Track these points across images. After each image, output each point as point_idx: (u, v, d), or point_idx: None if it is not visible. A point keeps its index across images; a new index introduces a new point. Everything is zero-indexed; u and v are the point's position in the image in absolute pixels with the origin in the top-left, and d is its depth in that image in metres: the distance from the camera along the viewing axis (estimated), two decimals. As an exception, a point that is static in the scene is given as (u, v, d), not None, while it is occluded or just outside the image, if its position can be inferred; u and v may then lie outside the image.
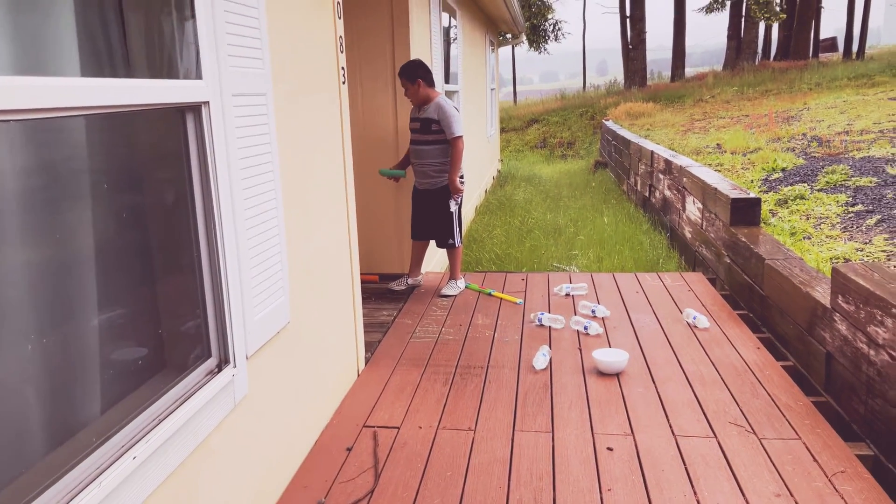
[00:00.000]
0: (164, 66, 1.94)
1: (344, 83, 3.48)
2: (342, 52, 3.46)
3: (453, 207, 4.94)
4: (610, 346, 3.90)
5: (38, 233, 1.50)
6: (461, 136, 4.82)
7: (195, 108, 2.00)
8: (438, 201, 4.94)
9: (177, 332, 2.05)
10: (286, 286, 2.64)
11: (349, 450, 2.92)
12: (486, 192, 10.88)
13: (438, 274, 5.72)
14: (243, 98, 2.27)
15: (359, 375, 3.69)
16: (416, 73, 4.79)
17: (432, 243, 5.38)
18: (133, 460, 1.63)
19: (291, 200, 2.73)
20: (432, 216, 5.02)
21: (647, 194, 9.11)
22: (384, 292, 5.12)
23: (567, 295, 4.90)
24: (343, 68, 3.47)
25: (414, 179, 5.10)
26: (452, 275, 5.19)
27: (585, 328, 4.12)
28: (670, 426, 3.00)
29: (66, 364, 1.61)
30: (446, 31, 7.45)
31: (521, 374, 3.59)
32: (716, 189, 5.79)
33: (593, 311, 4.42)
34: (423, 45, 5.71)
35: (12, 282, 1.43)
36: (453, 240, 5.05)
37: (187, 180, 2.03)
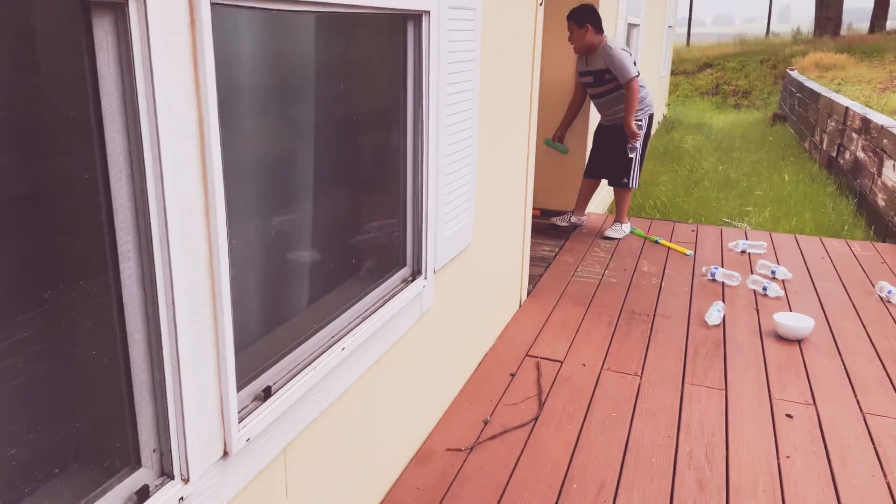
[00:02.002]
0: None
1: (541, 4, 3.36)
2: (543, -28, 3.33)
3: (631, 153, 4.76)
4: (791, 311, 3.64)
5: (256, 127, 1.56)
6: (636, 77, 4.55)
7: (416, 17, 2.00)
8: (620, 136, 4.74)
9: (378, 239, 2.12)
10: (473, 206, 2.65)
11: (513, 375, 2.95)
12: (651, 137, 10.38)
13: (601, 216, 5.57)
14: (457, 11, 2.24)
15: (521, 306, 3.70)
16: (584, 17, 4.52)
17: (603, 183, 5.23)
18: (342, 351, 1.71)
19: (484, 121, 2.71)
20: (611, 151, 4.84)
21: (833, 154, 8.32)
22: (545, 227, 5.06)
23: (743, 252, 4.61)
24: (542, -11, 3.35)
25: (599, 117, 4.94)
26: (618, 217, 5.02)
27: (764, 289, 3.86)
28: (857, 402, 2.78)
29: (284, 258, 1.70)
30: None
31: (692, 327, 3.44)
32: (927, 154, 5.16)
33: (773, 272, 4.13)
34: (614, -26, 5.40)
35: (238, 171, 1.50)
36: (628, 178, 4.85)
37: (402, 91, 2.04)
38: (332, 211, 1.90)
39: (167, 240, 1.10)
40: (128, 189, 1.07)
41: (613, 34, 5.73)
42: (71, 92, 1.00)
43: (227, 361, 1.28)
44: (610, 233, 4.93)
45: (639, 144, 4.76)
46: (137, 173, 1.07)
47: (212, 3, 1.14)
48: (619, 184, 4.89)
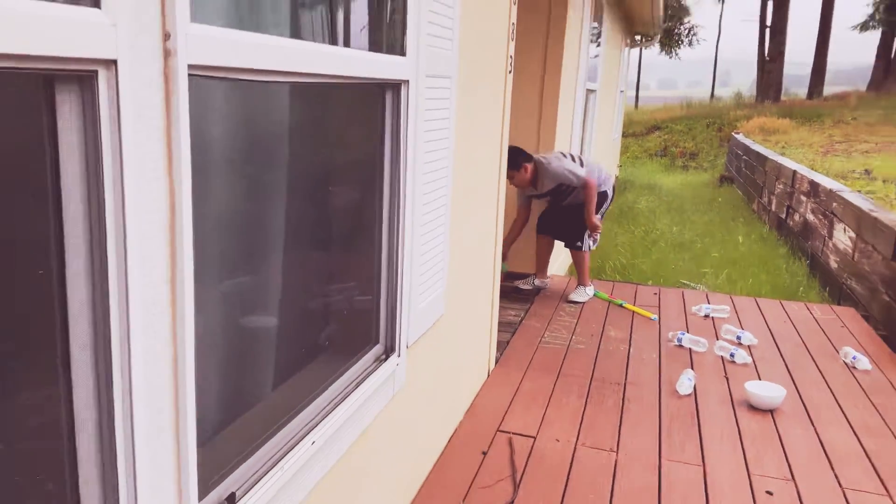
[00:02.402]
0: (372, 40, 1.86)
1: (510, 72, 3.35)
2: (512, 39, 3.33)
3: (593, 245, 4.86)
4: (759, 378, 3.61)
5: (232, 197, 1.44)
6: (587, 176, 4.60)
7: (395, 86, 1.92)
8: (580, 203, 4.74)
9: (351, 314, 1.99)
10: (445, 276, 2.55)
11: (484, 453, 2.80)
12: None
13: (563, 278, 5.54)
14: (434, 80, 2.18)
15: (489, 375, 3.58)
16: (518, 160, 4.49)
17: (558, 245, 5.21)
18: (312, 445, 1.57)
19: (457, 188, 2.64)
20: (566, 215, 4.83)
21: (783, 216, 8.55)
22: (509, 291, 4.99)
23: (706, 316, 4.61)
24: (511, 56, 3.34)
25: None
26: (580, 280, 4.99)
27: (731, 355, 3.84)
28: (836, 476, 2.71)
29: (250, 331, 1.56)
30: (591, 30, 7.20)
31: (664, 397, 3.37)
32: (875, 218, 5.31)
33: (738, 338, 4.12)
34: (574, 44, 5.51)
35: (206, 244, 1.37)
36: (582, 242, 4.85)
37: (378, 160, 1.96)
38: (303, 286, 1.78)
39: (128, 344, 0.96)
40: (86, 280, 0.94)
41: (573, 101, 5.82)
42: (27, 181, 0.88)
43: (189, 471, 1.13)
44: (574, 296, 4.89)
45: (597, 237, 4.85)
46: (98, 264, 0.94)
47: (189, 75, 1.04)
48: (574, 246, 4.89)
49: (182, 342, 1.09)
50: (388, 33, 1.90)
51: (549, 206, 4.96)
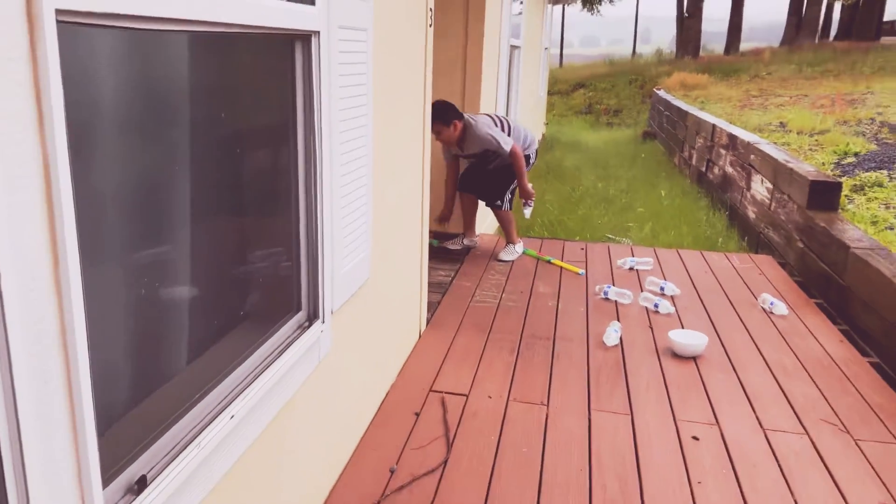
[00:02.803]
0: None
1: (430, 26, 3.26)
2: (431, -8, 3.23)
3: (528, 213, 4.83)
4: (682, 327, 3.71)
5: (129, 157, 1.33)
6: (513, 145, 4.57)
7: (305, 38, 1.82)
8: (504, 165, 4.71)
9: (269, 281, 1.90)
10: (369, 239, 2.48)
11: (417, 415, 2.78)
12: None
13: (493, 237, 5.54)
14: (348, 32, 2.07)
15: (420, 337, 3.55)
16: (448, 115, 4.40)
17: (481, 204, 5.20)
18: (231, 419, 1.49)
19: (378, 148, 2.55)
20: (488, 175, 4.80)
21: (703, 169, 8.79)
22: (438, 251, 4.95)
23: (631, 269, 4.70)
24: (431, 10, 3.25)
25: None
26: (509, 238, 5.00)
27: (655, 306, 3.93)
28: (757, 418, 2.82)
29: (159, 305, 1.46)
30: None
31: (591, 350, 3.42)
32: (791, 169, 5.51)
33: (662, 289, 4.22)
34: (496, 1, 5.42)
35: (97, 211, 1.27)
36: (501, 201, 4.84)
37: (290, 117, 1.85)
38: (216, 254, 1.68)
39: (4, 325, 0.86)
40: (-54, 256, 0.83)
41: (497, 58, 5.75)
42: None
43: (88, 457, 1.05)
44: (503, 255, 4.89)
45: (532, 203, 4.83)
46: (-42, 236, 0.83)
47: (58, 22, 0.92)
48: (494, 205, 4.88)
49: (70, 322, 1.00)
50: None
51: (472, 166, 4.91)
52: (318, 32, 1.84)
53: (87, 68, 1.15)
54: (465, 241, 5.08)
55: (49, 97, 0.91)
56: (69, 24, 0.96)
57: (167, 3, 1.19)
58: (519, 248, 4.99)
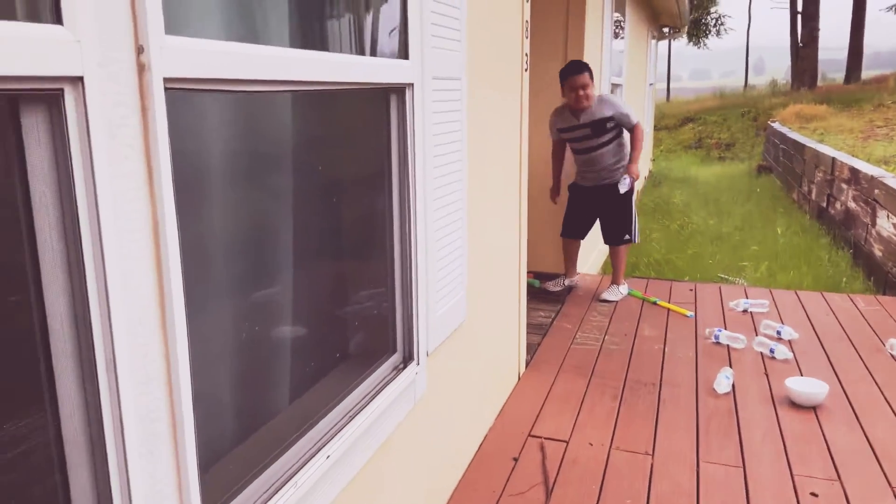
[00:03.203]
0: (371, 43, 1.83)
1: (526, 70, 3.29)
2: (527, 37, 3.28)
3: (624, 188, 4.50)
4: (801, 374, 3.47)
5: (232, 208, 1.42)
6: (638, 121, 4.51)
7: (399, 90, 1.89)
8: (609, 196, 4.63)
9: (365, 323, 1.96)
10: (465, 282, 2.50)
11: (515, 459, 2.75)
12: (638, 191, 10.38)
13: (595, 277, 5.44)
14: (441, 82, 2.14)
15: (519, 379, 3.52)
16: (590, 70, 4.47)
17: (588, 243, 5.10)
18: (327, 459, 1.53)
19: (473, 191, 2.59)
20: (606, 212, 4.72)
21: (823, 204, 8.30)
22: (538, 292, 4.91)
23: (745, 311, 4.47)
24: (526, 54, 3.29)
25: (578, 179, 4.81)
26: (615, 278, 4.88)
27: (771, 350, 3.71)
28: (886, 477, 2.58)
29: (259, 348, 1.54)
30: (614, 24, 7.10)
31: (700, 397, 3.26)
32: (922, 203, 5.10)
33: (778, 333, 3.98)
34: (596, 39, 5.42)
35: (205, 258, 1.35)
36: (630, 234, 4.72)
37: (386, 165, 1.92)
38: (315, 296, 1.75)
39: (114, 360, 0.94)
40: (66, 304, 0.92)
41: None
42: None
43: (191, 495, 1.10)
44: (607, 295, 4.78)
45: (632, 185, 4.59)
46: (77, 287, 0.91)
47: (167, 89, 1.01)
48: (621, 241, 4.75)
49: (175, 361, 1.07)
50: (389, 37, 1.87)
51: (576, 207, 4.82)
52: (412, 84, 1.90)
53: (195, 125, 1.26)
54: (566, 282, 5.01)
55: (157, 157, 0.99)
56: (175, 91, 1.05)
57: (271, 67, 1.28)
58: (623, 288, 4.87)
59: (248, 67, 1.20)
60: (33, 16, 0.84)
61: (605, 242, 4.89)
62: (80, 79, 0.86)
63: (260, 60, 1.24)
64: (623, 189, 4.51)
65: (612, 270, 4.90)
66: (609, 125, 4.47)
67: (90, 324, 0.92)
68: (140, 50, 0.96)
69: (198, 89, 1.11)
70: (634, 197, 4.76)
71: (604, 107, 4.49)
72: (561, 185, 4.93)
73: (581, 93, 4.39)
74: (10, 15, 0.83)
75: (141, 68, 0.96)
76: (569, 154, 4.81)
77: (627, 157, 4.56)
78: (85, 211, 0.89)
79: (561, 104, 4.64)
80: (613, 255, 4.87)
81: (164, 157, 1.00)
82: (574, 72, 4.41)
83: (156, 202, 1.01)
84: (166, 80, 1.00)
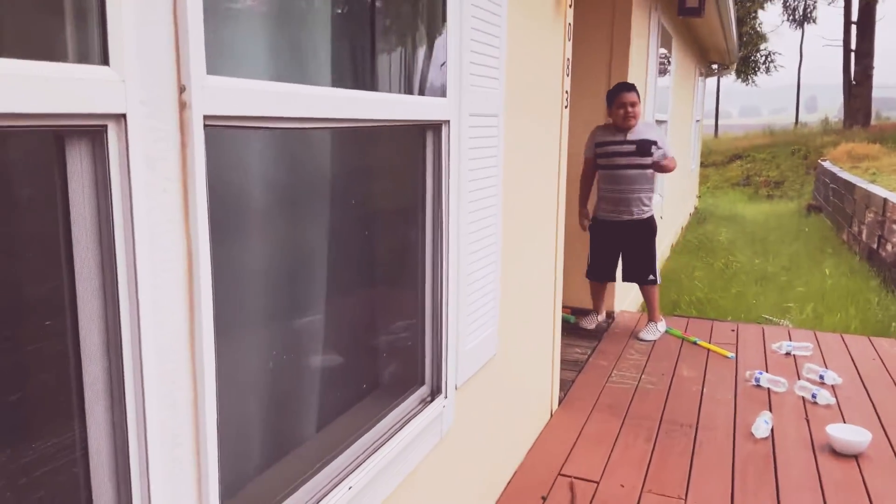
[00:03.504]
0: (410, 82, 1.88)
1: (566, 107, 3.32)
2: (568, 75, 3.31)
3: (659, 277, 4.65)
4: (844, 421, 3.36)
5: (267, 239, 1.47)
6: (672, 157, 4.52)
7: (435, 127, 1.93)
8: (641, 233, 4.60)
9: (394, 355, 1.98)
10: (496, 316, 2.51)
11: (544, 498, 2.71)
12: (682, 228, 10.25)
13: (634, 315, 5.37)
14: (478, 118, 2.17)
15: (552, 416, 3.48)
16: (638, 93, 4.51)
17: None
18: (349, 490, 1.54)
19: (508, 225, 2.60)
20: (629, 251, 4.68)
21: (874, 246, 8.07)
22: (574, 328, 4.87)
23: (788, 354, 4.35)
24: (567, 92, 3.31)
25: (599, 211, 4.73)
26: (651, 316, 4.81)
27: (813, 395, 3.60)
28: (933, 533, 2.48)
29: (287, 377, 1.57)
30: (660, 60, 7.09)
31: (738, 441, 3.18)
32: (978, 248, 4.92)
33: (821, 377, 3.87)
34: (640, 76, 5.42)
35: (238, 287, 1.40)
36: (654, 275, 4.68)
37: (420, 199, 1.96)
38: (342, 326, 1.78)
39: (142, 391, 0.98)
40: (99, 330, 0.96)
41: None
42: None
43: (210, 518, 1.13)
44: (644, 334, 4.71)
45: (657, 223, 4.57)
46: (112, 315, 0.96)
47: (206, 126, 1.06)
48: (646, 282, 4.71)
49: (202, 389, 1.10)
50: (426, 76, 1.92)
51: (601, 246, 4.77)
52: (448, 121, 1.94)
53: (233, 158, 1.31)
54: (599, 318, 4.96)
55: (195, 191, 1.04)
56: (214, 128, 1.10)
57: (307, 106, 1.33)
58: (662, 326, 4.80)
59: (283, 106, 1.25)
60: (83, 57, 0.90)
61: (625, 280, 4.81)
62: (123, 116, 0.91)
63: (296, 99, 1.29)
64: (654, 156, 4.47)
65: (647, 309, 4.83)
66: (653, 149, 4.46)
67: (121, 350, 0.96)
68: (182, 89, 1.01)
69: (236, 126, 1.16)
70: (657, 238, 4.72)
71: (650, 131, 4.52)
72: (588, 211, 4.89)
73: (630, 110, 4.42)
74: (62, 55, 0.89)
75: (182, 106, 1.01)
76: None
77: (653, 195, 4.58)
78: (122, 240, 0.94)
79: (604, 123, 4.65)
80: (645, 295, 4.81)
81: (201, 191, 1.05)
82: (624, 89, 4.48)
83: (190, 234, 1.05)
84: (206, 117, 1.05)
